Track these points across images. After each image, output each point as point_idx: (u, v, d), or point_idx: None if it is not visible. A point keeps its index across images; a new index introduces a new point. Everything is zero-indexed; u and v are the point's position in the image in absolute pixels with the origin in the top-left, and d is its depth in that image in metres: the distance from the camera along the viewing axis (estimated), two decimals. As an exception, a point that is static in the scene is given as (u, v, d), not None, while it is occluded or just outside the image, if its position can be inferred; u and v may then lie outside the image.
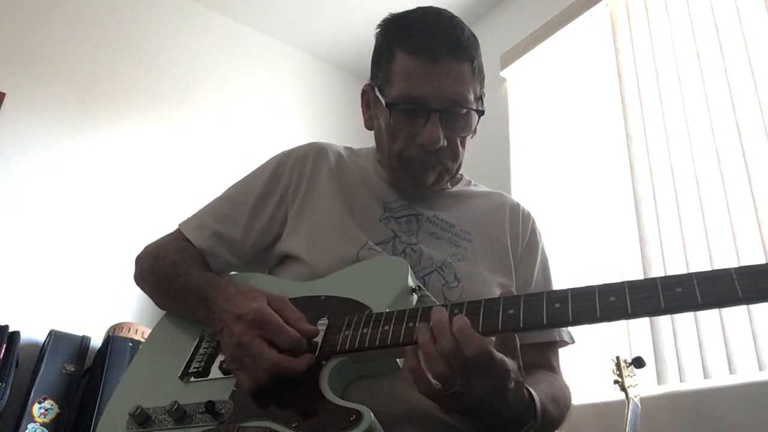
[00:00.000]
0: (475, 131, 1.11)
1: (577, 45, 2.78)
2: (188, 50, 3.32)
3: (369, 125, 1.17)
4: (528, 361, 1.05)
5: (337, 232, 1.06)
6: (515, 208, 1.21)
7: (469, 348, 0.74)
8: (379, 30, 1.14)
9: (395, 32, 1.09)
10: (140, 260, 1.14)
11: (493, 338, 0.79)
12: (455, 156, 1.09)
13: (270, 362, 0.82)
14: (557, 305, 0.74)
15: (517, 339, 0.81)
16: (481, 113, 1.09)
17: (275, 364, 0.82)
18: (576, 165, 2.58)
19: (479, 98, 1.10)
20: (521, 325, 0.76)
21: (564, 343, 1.13)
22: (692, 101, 2.18)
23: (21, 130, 2.71)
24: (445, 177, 1.12)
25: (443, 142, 1.04)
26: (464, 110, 1.06)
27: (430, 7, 1.11)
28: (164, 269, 1.07)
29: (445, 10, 1.11)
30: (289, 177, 1.15)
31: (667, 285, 0.70)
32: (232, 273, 1.16)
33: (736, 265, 0.69)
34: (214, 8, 3.47)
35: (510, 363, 0.78)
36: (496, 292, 1.02)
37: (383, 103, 1.06)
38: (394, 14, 1.13)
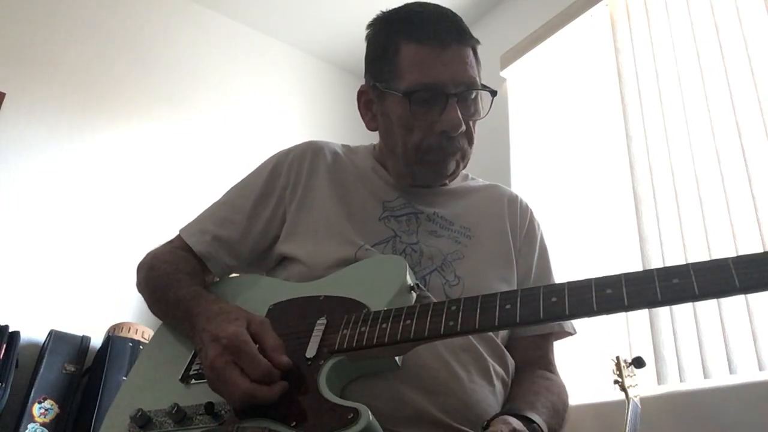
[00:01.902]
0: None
1: (577, 45, 2.78)
2: (188, 50, 3.32)
3: (372, 126, 1.16)
4: (527, 359, 1.06)
5: (335, 234, 1.06)
6: (513, 199, 1.21)
7: None
8: (373, 28, 1.14)
9: (397, 25, 1.09)
10: (139, 269, 1.14)
11: None
12: (470, 140, 1.10)
13: (241, 391, 0.81)
14: (554, 299, 0.74)
15: None
16: (494, 93, 1.09)
17: (245, 393, 0.81)
18: (576, 165, 2.57)
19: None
20: (518, 320, 0.76)
21: (567, 334, 1.13)
22: (692, 101, 2.18)
23: (21, 130, 2.71)
24: (461, 165, 1.12)
25: (464, 127, 1.05)
26: (474, 93, 1.06)
27: (420, 2, 1.12)
28: (157, 281, 1.07)
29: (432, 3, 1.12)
30: (286, 177, 1.15)
31: (664, 276, 0.70)
32: (233, 275, 1.16)
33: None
34: (214, 8, 3.47)
35: None
36: (498, 287, 1.02)
37: (399, 95, 1.05)
38: (387, 11, 1.14)
